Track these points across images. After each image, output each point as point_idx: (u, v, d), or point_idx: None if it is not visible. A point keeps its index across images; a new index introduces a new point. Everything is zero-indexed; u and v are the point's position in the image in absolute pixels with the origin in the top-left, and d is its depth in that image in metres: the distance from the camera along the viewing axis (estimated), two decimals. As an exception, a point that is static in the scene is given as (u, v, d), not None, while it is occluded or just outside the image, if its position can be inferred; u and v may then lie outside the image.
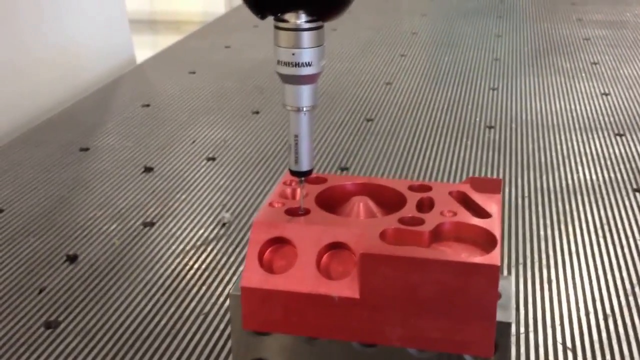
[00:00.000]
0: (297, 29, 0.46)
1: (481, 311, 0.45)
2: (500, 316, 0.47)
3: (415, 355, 0.49)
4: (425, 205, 0.52)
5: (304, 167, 0.50)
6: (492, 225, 0.49)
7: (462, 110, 1.12)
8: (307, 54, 0.47)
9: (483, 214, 0.51)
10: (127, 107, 1.16)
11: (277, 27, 0.47)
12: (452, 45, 1.49)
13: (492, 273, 0.44)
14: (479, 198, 0.52)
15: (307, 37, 0.46)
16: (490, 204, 0.52)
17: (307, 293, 0.47)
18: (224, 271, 0.71)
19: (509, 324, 0.47)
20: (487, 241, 0.48)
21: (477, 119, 1.08)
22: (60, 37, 1.30)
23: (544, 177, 0.89)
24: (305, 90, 0.48)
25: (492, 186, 0.53)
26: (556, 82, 1.25)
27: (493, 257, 0.45)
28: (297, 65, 0.47)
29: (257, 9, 0.47)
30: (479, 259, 0.45)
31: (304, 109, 0.49)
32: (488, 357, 0.47)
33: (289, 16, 0.46)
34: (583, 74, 1.30)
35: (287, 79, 0.48)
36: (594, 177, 0.89)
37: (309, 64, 0.47)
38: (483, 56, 1.40)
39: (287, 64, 0.47)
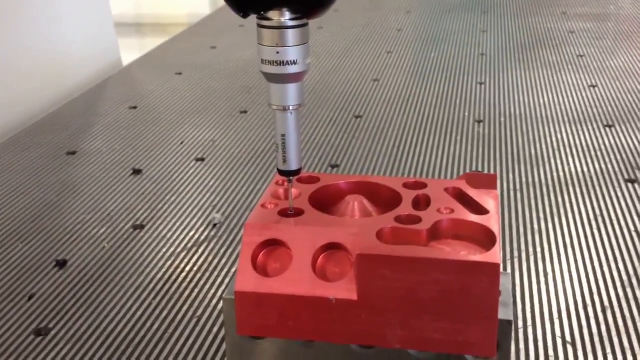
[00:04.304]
0: (281, 27, 0.44)
1: (483, 310, 0.43)
2: (501, 314, 0.45)
3: (414, 355, 0.47)
4: (422, 203, 0.50)
5: (293, 166, 0.49)
6: (491, 221, 0.47)
7: (451, 106, 1.10)
8: (292, 52, 0.45)
9: (480, 210, 0.49)
10: (114, 110, 1.13)
11: (260, 26, 0.45)
12: (437, 41, 1.48)
13: (493, 271, 0.42)
14: (475, 194, 0.50)
15: (291, 35, 0.45)
16: (487, 200, 0.50)
17: (303, 296, 0.45)
18: (216, 273, 0.69)
19: (510, 322, 0.45)
20: (485, 238, 0.46)
21: (466, 114, 1.07)
22: (46, 42, 1.27)
23: (535, 170, 0.88)
24: (291, 89, 0.46)
25: (487, 182, 0.52)
26: (543, 75, 1.23)
27: (493, 255, 0.43)
28: (282, 63, 0.45)
29: (239, 8, 0.45)
30: (479, 257, 0.43)
31: (291, 108, 0.47)
32: (490, 356, 0.45)
33: (272, 14, 0.44)
34: (569, 67, 1.28)
35: (272, 78, 0.46)
36: (585, 169, 0.88)
37: (294, 62, 0.45)
38: (469, 52, 1.39)
39: (271, 62, 0.45)
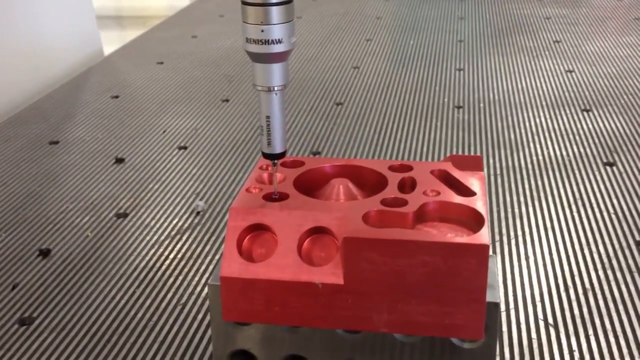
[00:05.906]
0: (266, 4, 0.43)
1: (471, 293, 0.42)
2: (488, 297, 0.44)
3: (400, 339, 0.46)
4: (407, 186, 0.49)
5: (277, 149, 0.47)
6: (477, 203, 0.46)
7: (430, 92, 1.09)
8: (277, 30, 0.43)
9: (467, 192, 0.48)
10: (96, 99, 1.11)
11: (244, 3, 0.43)
12: (416, 28, 1.46)
13: (482, 253, 0.41)
14: (461, 176, 0.49)
15: (276, 12, 0.43)
16: (473, 181, 0.49)
17: (289, 281, 0.44)
18: (200, 260, 0.67)
19: (497, 304, 0.44)
20: (472, 220, 0.45)
21: (446, 100, 1.05)
22: (26, 32, 1.24)
23: (515, 155, 0.87)
24: (276, 69, 0.45)
25: (473, 163, 0.50)
26: (521, 61, 1.23)
27: (482, 237, 0.42)
28: (266, 42, 0.43)
29: None
30: (467, 238, 0.42)
31: (275, 88, 0.45)
32: (478, 339, 0.44)
33: None
34: (546, 52, 1.27)
35: (257, 57, 0.44)
36: (564, 152, 0.87)
37: (279, 41, 0.43)
38: (447, 38, 1.38)
39: (256, 41, 0.43)
